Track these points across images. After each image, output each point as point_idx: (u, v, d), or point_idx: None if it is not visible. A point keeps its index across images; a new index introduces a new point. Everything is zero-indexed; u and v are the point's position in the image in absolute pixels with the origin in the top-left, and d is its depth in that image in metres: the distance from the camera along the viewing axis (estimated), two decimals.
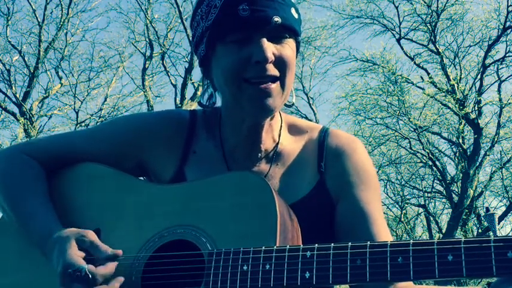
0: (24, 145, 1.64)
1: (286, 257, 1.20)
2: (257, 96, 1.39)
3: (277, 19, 1.37)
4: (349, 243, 1.17)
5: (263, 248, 1.23)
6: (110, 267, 1.33)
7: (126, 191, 1.50)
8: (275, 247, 1.22)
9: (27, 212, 1.47)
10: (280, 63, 1.40)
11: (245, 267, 1.22)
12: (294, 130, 1.59)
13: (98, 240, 1.38)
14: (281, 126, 1.58)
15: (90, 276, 1.29)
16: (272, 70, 1.39)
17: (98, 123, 18.74)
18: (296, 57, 1.50)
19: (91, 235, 1.38)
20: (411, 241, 1.12)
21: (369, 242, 1.16)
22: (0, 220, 1.60)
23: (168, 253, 1.34)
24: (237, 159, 1.54)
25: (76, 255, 1.33)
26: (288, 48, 1.42)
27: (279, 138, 1.55)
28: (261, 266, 1.21)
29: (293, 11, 1.42)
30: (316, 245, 1.20)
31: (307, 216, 1.41)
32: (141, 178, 1.64)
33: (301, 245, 1.22)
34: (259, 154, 1.53)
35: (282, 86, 1.41)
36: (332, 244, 1.19)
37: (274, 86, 1.39)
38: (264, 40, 1.37)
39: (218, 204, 1.36)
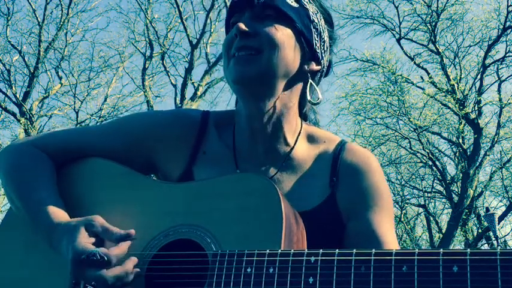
0: (34, 139, 1.64)
1: (290, 261, 1.20)
2: (234, 66, 1.45)
3: None
4: (354, 250, 1.17)
5: (267, 251, 1.23)
6: (123, 247, 1.34)
7: (133, 188, 1.51)
8: (279, 251, 1.22)
9: (35, 203, 1.47)
10: (261, 37, 1.45)
11: (249, 270, 1.22)
12: (311, 139, 1.59)
13: (107, 223, 1.38)
14: (300, 133, 1.57)
15: (105, 258, 1.28)
16: (250, 42, 1.45)
17: (98, 123, 18.80)
18: (311, 57, 1.53)
19: (99, 219, 1.38)
20: (417, 250, 1.12)
21: (373, 250, 1.16)
22: (8, 212, 1.61)
23: (173, 252, 1.34)
24: (247, 159, 1.54)
25: (86, 242, 1.33)
26: (273, 28, 1.46)
27: (294, 144, 1.55)
28: (264, 269, 1.21)
29: None
30: (321, 250, 1.20)
31: (314, 230, 1.40)
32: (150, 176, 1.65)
33: (306, 250, 1.22)
34: (268, 154, 1.53)
35: (262, 59, 1.44)
36: (337, 250, 1.18)
37: (251, 57, 1.44)
38: (245, 17, 1.48)
39: (224, 205, 1.36)
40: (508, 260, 1.04)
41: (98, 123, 18.94)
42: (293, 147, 1.54)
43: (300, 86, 1.53)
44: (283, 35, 1.46)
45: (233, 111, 1.61)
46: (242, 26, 1.44)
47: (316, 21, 1.53)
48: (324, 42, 1.55)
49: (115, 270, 1.29)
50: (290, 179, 1.52)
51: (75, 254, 1.31)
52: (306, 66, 1.52)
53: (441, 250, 1.09)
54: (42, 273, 1.46)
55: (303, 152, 1.55)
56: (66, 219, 1.43)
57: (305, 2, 1.53)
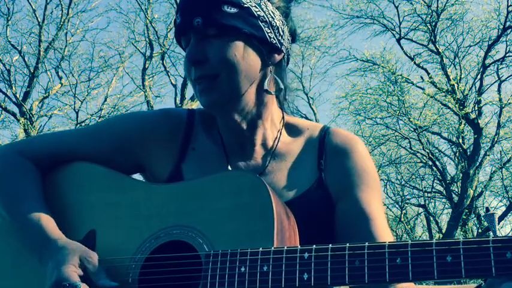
0: (18, 145, 1.61)
1: (284, 259, 1.19)
2: (200, 95, 1.46)
3: (198, 20, 1.42)
4: (347, 244, 1.16)
5: (260, 249, 1.22)
6: None
7: (121, 191, 1.49)
8: (273, 248, 1.21)
9: (24, 216, 1.45)
10: (213, 62, 1.43)
11: (243, 269, 1.21)
12: (294, 129, 1.60)
13: (100, 266, 1.35)
14: (282, 124, 1.58)
15: None
16: (205, 70, 1.43)
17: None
18: (270, 49, 1.49)
19: (95, 259, 1.35)
20: (409, 242, 1.11)
21: (367, 243, 1.15)
22: None
23: (165, 255, 1.33)
24: (236, 154, 1.54)
25: (73, 271, 1.30)
26: (221, 46, 1.42)
27: (279, 136, 1.56)
28: (258, 267, 1.20)
29: (226, 7, 1.42)
30: (314, 246, 1.19)
31: (305, 213, 1.40)
32: (138, 176, 1.63)
33: (299, 246, 1.21)
34: (255, 148, 1.54)
35: (223, 83, 1.43)
36: (330, 245, 1.18)
37: (213, 84, 1.43)
38: (191, 43, 1.45)
39: (214, 205, 1.35)
40: (501, 248, 1.04)
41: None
42: (279, 138, 1.55)
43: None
44: (233, 49, 1.43)
45: None
46: (192, 57, 1.43)
47: (262, 13, 1.47)
48: (278, 28, 1.50)
49: None
50: (280, 169, 1.52)
51: (59, 278, 1.29)
52: (268, 61, 1.50)
53: (434, 241, 1.09)
54: (35, 282, 1.43)
55: (289, 142, 1.56)
56: (63, 237, 1.40)
57: (243, 1, 1.45)
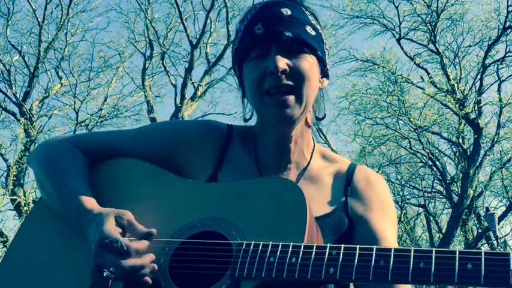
0: (69, 137, 1.77)
1: (313, 253, 1.26)
2: (275, 107, 1.52)
3: (288, 34, 1.51)
4: (375, 247, 1.23)
5: (291, 243, 1.29)
6: (144, 243, 1.42)
7: (162, 185, 1.59)
8: (303, 244, 1.28)
9: (68, 191, 1.58)
10: (295, 74, 1.52)
11: (272, 259, 1.27)
12: (325, 157, 1.72)
13: (134, 220, 1.48)
14: (313, 150, 1.70)
15: (125, 248, 1.37)
16: (286, 80, 1.51)
17: (98, 123, 18.78)
18: (323, 75, 1.64)
19: (128, 215, 1.48)
20: (434, 249, 1.18)
21: (393, 247, 1.22)
22: (36, 205, 1.74)
23: (198, 240, 1.41)
24: (269, 168, 1.65)
25: (113, 229, 1.42)
26: (303, 61, 1.54)
27: (310, 158, 1.68)
28: (287, 258, 1.26)
29: (308, 28, 1.56)
30: (343, 245, 1.26)
31: (328, 233, 1.52)
32: None
33: (328, 244, 1.28)
34: (289, 165, 1.65)
35: (299, 97, 1.53)
36: (358, 246, 1.25)
37: (291, 98, 1.52)
38: (274, 53, 1.52)
39: (252, 203, 1.42)
40: None
41: (98, 123, 19.07)
42: (309, 161, 1.67)
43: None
44: (310, 66, 1.55)
45: (251, 126, 1.72)
46: (281, 65, 1.49)
47: (326, 41, 1.63)
48: (329, 57, 1.66)
49: (132, 261, 1.38)
50: (308, 188, 1.61)
51: (101, 237, 1.40)
52: (320, 85, 1.64)
53: (457, 250, 1.17)
54: (60, 258, 1.55)
55: (319, 167, 1.68)
56: (98, 206, 1.53)
57: (318, 27, 1.60)
